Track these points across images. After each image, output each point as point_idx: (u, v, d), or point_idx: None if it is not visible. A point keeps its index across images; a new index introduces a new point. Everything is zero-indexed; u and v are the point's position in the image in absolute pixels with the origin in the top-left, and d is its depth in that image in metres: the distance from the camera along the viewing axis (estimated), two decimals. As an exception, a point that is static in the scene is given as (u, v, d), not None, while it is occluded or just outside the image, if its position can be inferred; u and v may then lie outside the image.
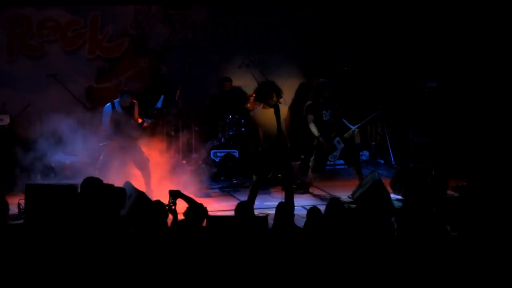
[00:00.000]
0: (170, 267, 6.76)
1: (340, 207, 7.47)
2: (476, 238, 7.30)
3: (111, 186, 7.79)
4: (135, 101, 10.93)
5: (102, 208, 7.54)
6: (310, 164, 11.22)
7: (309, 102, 11.09)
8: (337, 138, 11.03)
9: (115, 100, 10.88)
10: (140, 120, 10.85)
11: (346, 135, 11.05)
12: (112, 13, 13.12)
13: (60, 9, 12.90)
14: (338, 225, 7.24)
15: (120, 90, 10.99)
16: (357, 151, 11.69)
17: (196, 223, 7.29)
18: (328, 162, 11.28)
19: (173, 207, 7.63)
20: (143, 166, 10.81)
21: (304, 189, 11.36)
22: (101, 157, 10.86)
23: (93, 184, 7.89)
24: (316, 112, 11.01)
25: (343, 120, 11.27)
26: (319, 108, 11.03)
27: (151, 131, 11.37)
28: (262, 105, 9.73)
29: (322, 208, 7.54)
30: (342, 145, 11.03)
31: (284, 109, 9.58)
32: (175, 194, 7.78)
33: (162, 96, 11.22)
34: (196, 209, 7.39)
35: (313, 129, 10.97)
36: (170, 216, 7.55)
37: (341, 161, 11.74)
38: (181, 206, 7.62)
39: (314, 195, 11.29)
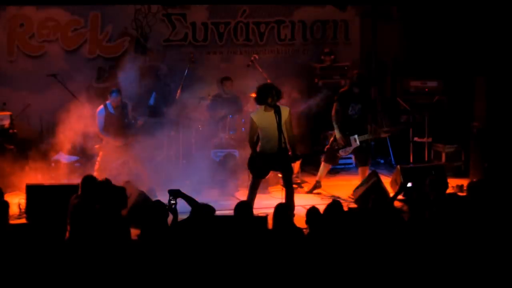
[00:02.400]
0: (169, 267, 6.76)
1: (339, 209, 7.46)
2: (476, 238, 7.30)
3: (111, 186, 7.79)
4: (127, 102, 11.07)
5: (102, 207, 7.56)
6: (324, 154, 11.16)
7: (342, 90, 11.03)
8: (355, 136, 10.94)
9: (107, 102, 11.00)
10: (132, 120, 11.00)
11: (361, 137, 10.94)
12: (112, 13, 13.12)
13: (60, 9, 12.90)
14: (337, 226, 7.24)
15: (111, 90, 11.08)
16: (369, 154, 11.48)
17: (202, 223, 7.26)
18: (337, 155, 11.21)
19: (173, 207, 7.63)
20: (142, 165, 10.81)
21: (310, 190, 11.32)
22: (98, 159, 10.89)
23: (92, 182, 7.90)
24: (345, 103, 10.94)
25: (384, 115, 11.21)
26: (349, 99, 10.96)
27: (151, 131, 11.38)
28: (262, 107, 9.68)
29: (322, 208, 7.54)
30: (357, 144, 10.95)
31: (285, 111, 9.54)
32: (175, 194, 7.78)
33: (154, 93, 11.24)
34: (203, 209, 7.36)
35: (334, 118, 10.92)
36: (170, 216, 7.56)
37: (342, 161, 11.74)
38: (181, 205, 7.63)
39: (314, 195, 11.29)
